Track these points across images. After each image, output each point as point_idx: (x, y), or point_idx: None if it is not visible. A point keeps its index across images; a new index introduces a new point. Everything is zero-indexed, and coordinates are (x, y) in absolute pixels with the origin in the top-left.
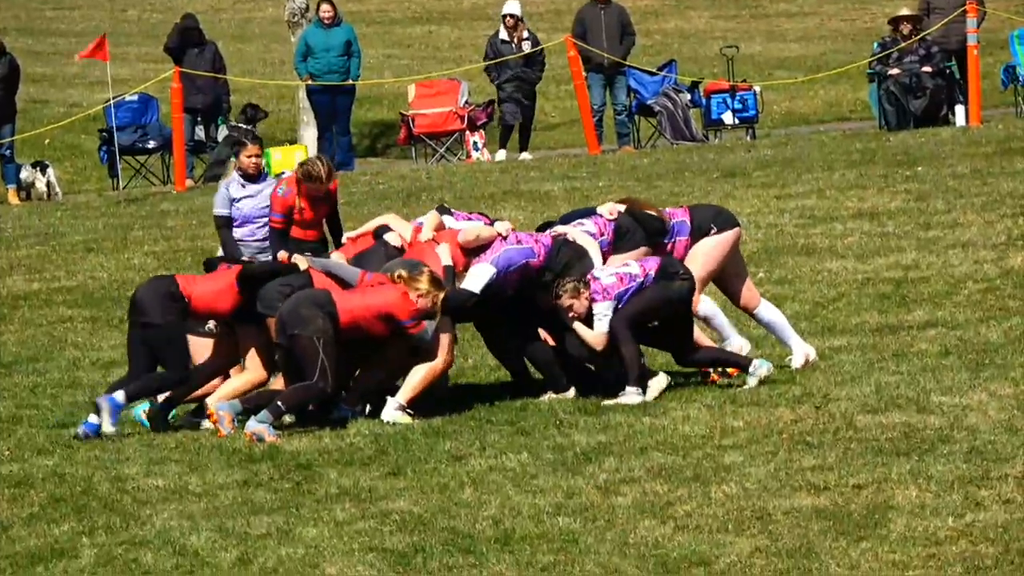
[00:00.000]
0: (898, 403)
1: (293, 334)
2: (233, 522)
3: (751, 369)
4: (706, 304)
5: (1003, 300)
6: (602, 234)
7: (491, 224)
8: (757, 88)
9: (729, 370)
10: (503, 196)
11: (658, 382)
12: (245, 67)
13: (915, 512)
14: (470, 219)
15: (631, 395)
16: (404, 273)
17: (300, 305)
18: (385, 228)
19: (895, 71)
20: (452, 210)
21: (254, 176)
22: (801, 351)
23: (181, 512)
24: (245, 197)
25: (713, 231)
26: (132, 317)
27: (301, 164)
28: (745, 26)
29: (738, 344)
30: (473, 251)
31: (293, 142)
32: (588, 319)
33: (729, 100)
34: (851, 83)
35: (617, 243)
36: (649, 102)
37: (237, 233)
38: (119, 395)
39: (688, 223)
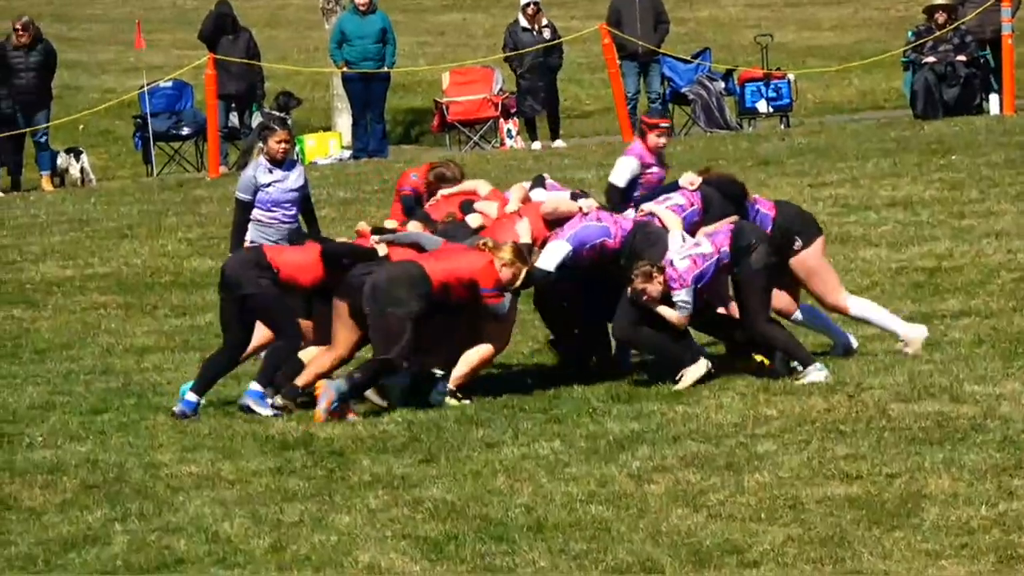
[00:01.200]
0: (931, 392)
1: (387, 311)
2: (266, 509)
3: (809, 368)
4: (857, 306)
5: None
6: (691, 205)
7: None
8: (791, 76)
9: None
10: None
11: (696, 369)
12: (279, 54)
13: (948, 501)
14: (576, 196)
15: (813, 373)
16: (489, 242)
17: (398, 284)
18: (470, 203)
19: (930, 59)
20: (547, 182)
21: (280, 161)
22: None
23: (214, 499)
24: (273, 182)
25: (798, 244)
26: (225, 292)
27: (434, 165)
28: (779, 14)
29: (914, 334)
30: (553, 225)
31: (327, 129)
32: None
33: (763, 88)
34: (885, 72)
35: (706, 214)
36: (683, 90)
37: (264, 216)
38: (254, 386)
39: (771, 218)
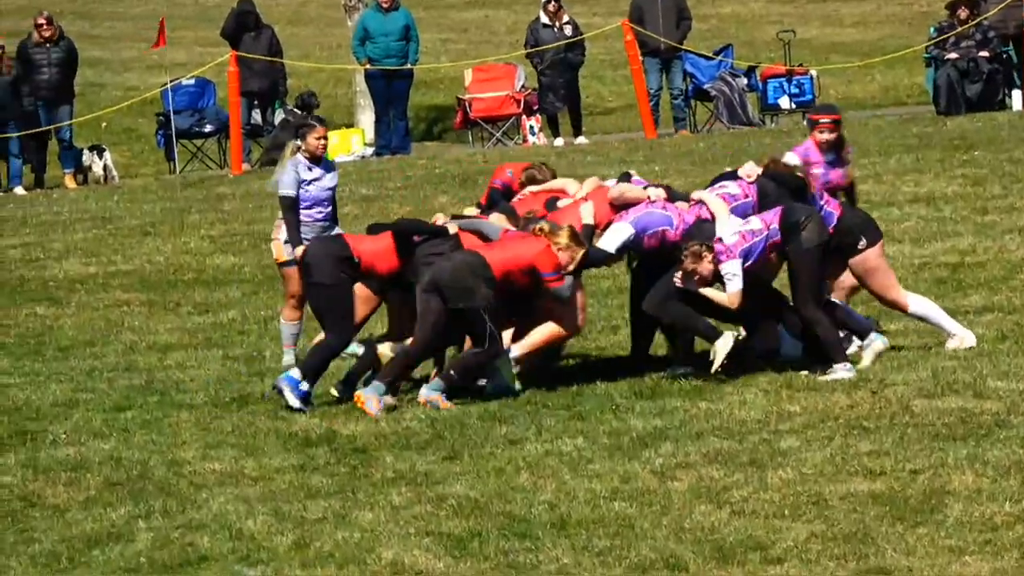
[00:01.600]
0: (955, 388)
1: (461, 307)
2: (289, 506)
3: (865, 342)
4: (917, 303)
5: None
6: (746, 196)
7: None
8: (814, 72)
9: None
10: None
11: (724, 343)
12: (301, 51)
13: (972, 497)
14: (647, 187)
15: (840, 371)
16: (545, 227)
17: (461, 276)
18: (555, 200)
19: (952, 55)
20: (633, 179)
21: (319, 159)
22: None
23: (237, 496)
24: (314, 180)
25: (862, 244)
26: (304, 279)
27: (528, 167)
28: (801, 10)
29: (962, 336)
30: (620, 209)
31: (350, 126)
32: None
33: (786, 85)
34: (908, 68)
35: (761, 205)
36: (706, 86)
37: (303, 215)
38: (294, 373)
39: (836, 216)
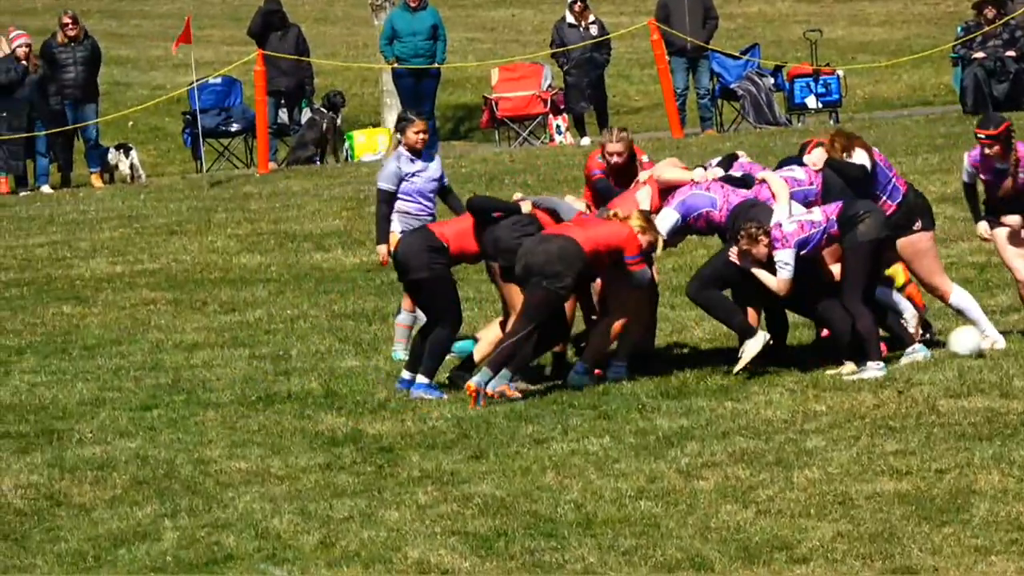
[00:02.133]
0: (981, 388)
1: (546, 286)
2: (315, 505)
3: (908, 350)
4: (959, 295)
5: None
6: (810, 183)
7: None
8: (840, 72)
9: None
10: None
11: (755, 343)
12: (328, 50)
13: (998, 497)
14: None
15: (872, 370)
16: (620, 212)
17: (553, 259)
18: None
19: (979, 55)
20: (740, 160)
21: (419, 152)
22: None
23: (263, 495)
24: (417, 172)
25: (917, 225)
26: (402, 277)
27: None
28: (828, 10)
29: (994, 338)
30: (667, 193)
31: (376, 125)
32: (770, 267)
33: (812, 84)
34: (934, 67)
35: (826, 196)
36: (732, 86)
37: (410, 208)
38: (421, 379)
39: (902, 193)
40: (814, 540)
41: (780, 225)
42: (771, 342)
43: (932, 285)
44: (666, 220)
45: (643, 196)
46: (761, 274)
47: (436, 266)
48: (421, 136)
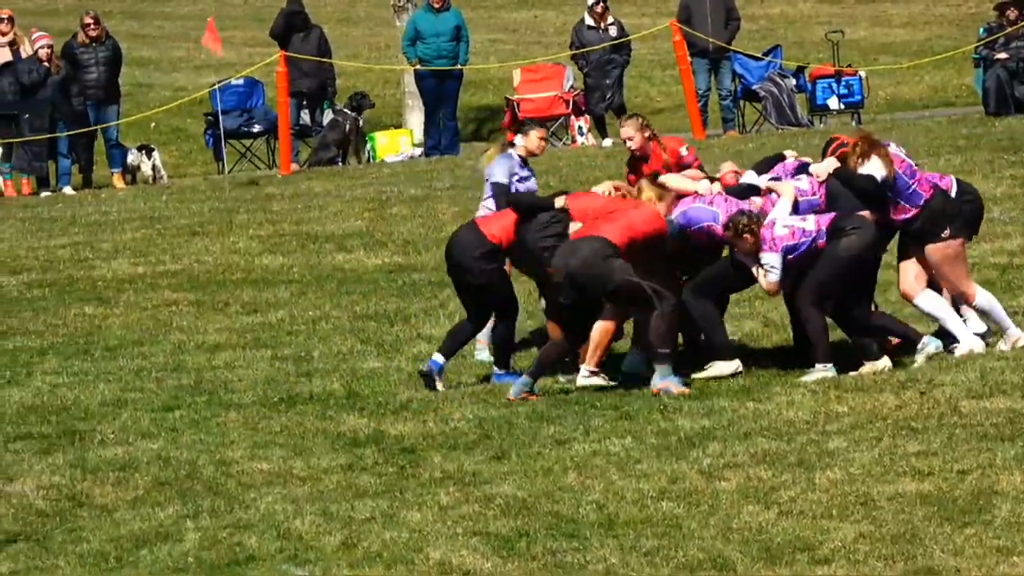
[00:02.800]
0: (1003, 388)
1: (613, 288)
2: (337, 506)
3: (920, 345)
4: (982, 296)
5: None
6: (814, 193)
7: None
8: (862, 73)
9: (893, 340)
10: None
11: (725, 367)
12: (350, 51)
13: (1020, 498)
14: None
15: (820, 371)
16: (632, 191)
17: (590, 265)
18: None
19: (1001, 56)
20: (787, 161)
21: (534, 156)
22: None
23: (285, 496)
24: (523, 178)
25: (945, 233)
26: (454, 275)
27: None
28: (850, 11)
29: (1016, 336)
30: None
31: (398, 127)
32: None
33: (835, 85)
34: (956, 68)
35: (831, 204)
36: (754, 87)
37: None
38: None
39: (924, 199)
40: (836, 541)
41: (772, 226)
42: (740, 372)
43: (958, 290)
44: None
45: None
46: (758, 274)
47: (489, 268)
48: (544, 143)
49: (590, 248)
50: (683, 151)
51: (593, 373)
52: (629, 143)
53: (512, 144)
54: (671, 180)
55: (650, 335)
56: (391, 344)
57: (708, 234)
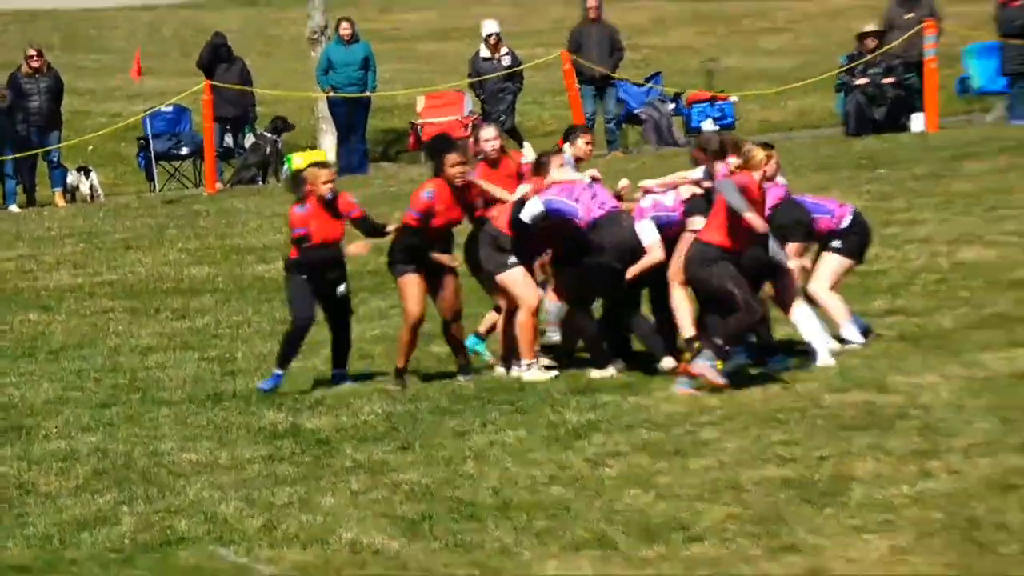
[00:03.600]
0: (859, 383)
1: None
2: (258, 492)
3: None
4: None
5: (955, 290)
6: (674, 210)
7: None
8: (735, 98)
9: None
10: None
11: (601, 372)
12: (270, 80)
13: (873, 482)
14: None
15: (596, 372)
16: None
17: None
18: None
19: (860, 82)
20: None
21: (582, 161)
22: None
23: (212, 483)
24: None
25: (837, 246)
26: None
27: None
28: (724, 42)
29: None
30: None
31: (313, 148)
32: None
33: (709, 109)
34: (820, 94)
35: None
36: (636, 111)
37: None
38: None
39: (834, 219)
40: (708, 521)
41: (649, 192)
42: (614, 376)
43: (779, 300)
44: (531, 207)
45: (520, 189)
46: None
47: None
48: (589, 147)
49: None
50: (523, 160)
51: (531, 365)
52: (492, 143)
53: (561, 151)
54: (556, 172)
55: (717, 327)
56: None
57: (564, 226)
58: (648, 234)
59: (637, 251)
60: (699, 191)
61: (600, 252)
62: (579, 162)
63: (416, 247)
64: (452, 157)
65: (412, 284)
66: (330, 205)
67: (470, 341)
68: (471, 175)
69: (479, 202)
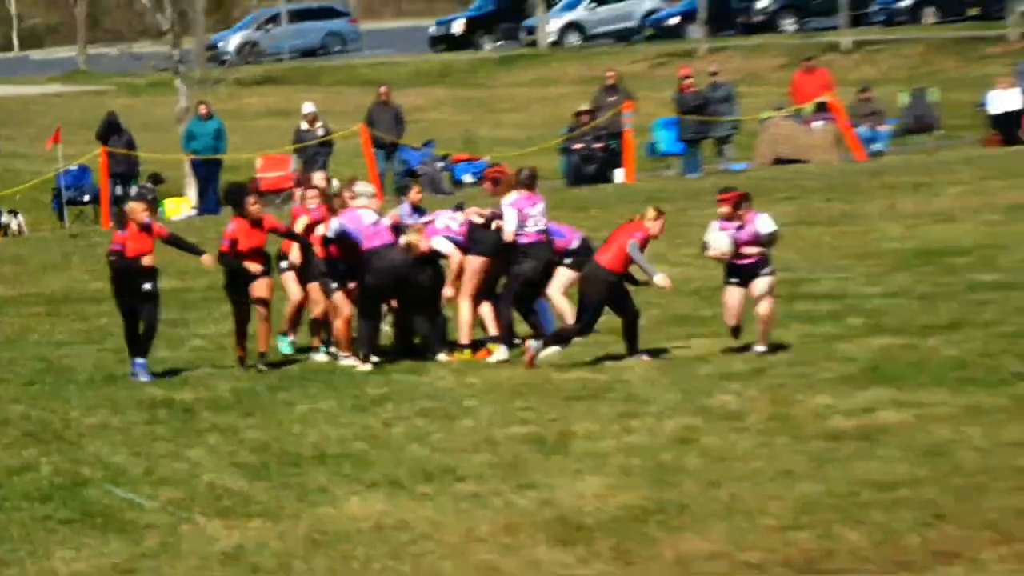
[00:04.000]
0: (579, 364)
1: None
2: (141, 447)
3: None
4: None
5: (648, 297)
6: (461, 233)
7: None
8: (487, 159)
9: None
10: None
11: (348, 360)
12: (149, 146)
13: (589, 437)
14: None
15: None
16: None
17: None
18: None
19: (578, 146)
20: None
21: (418, 207)
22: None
23: (107, 441)
24: (415, 221)
25: (568, 262)
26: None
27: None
28: (479, 118)
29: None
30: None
31: (180, 195)
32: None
33: (468, 167)
34: (548, 156)
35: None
36: (415, 168)
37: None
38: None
39: (566, 240)
40: (469, 466)
41: (434, 222)
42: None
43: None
44: (332, 225)
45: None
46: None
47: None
48: (419, 196)
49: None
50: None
51: (347, 357)
52: (324, 182)
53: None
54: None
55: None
56: (177, 340)
57: (353, 247)
58: (444, 245)
59: (400, 278)
60: (479, 220)
61: (371, 274)
62: (414, 205)
63: (233, 265)
64: (251, 199)
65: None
66: (146, 228)
67: (279, 340)
68: (266, 211)
69: (281, 229)
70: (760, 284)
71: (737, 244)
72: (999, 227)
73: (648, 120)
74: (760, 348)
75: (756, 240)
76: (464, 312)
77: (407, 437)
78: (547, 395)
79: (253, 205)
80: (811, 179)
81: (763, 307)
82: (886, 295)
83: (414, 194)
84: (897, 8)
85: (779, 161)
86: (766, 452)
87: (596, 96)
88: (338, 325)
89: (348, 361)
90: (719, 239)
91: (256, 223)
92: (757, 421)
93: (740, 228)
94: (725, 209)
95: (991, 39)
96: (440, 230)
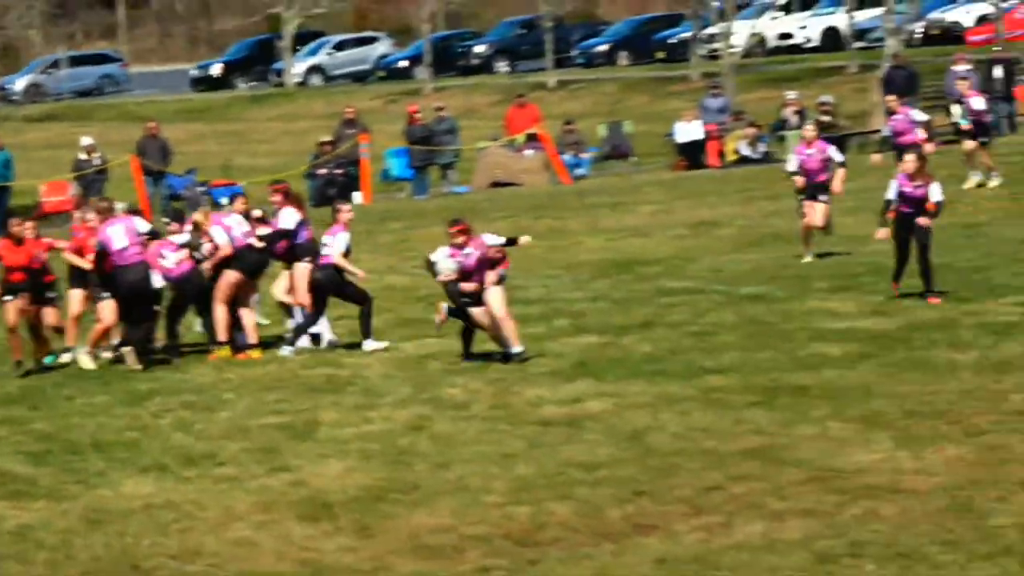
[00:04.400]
0: (323, 362)
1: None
2: None
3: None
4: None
5: (383, 303)
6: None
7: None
8: (243, 183)
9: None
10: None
11: (71, 354)
12: None
13: (334, 425)
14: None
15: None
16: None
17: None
18: None
19: (321, 172)
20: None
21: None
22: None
23: None
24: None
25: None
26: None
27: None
28: (236, 148)
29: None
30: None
31: None
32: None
33: (226, 191)
34: (296, 180)
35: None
36: (180, 192)
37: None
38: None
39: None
40: (228, 452)
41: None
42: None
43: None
44: (218, 234)
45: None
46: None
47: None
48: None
49: None
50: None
51: (89, 353)
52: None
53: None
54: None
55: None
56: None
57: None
58: (220, 236)
59: (139, 292)
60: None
61: (116, 285)
62: (247, 214)
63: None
64: (14, 221)
65: (7, 307)
66: None
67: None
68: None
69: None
70: (494, 296)
71: (464, 269)
72: (686, 240)
73: (382, 149)
74: (517, 348)
75: (488, 264)
76: (219, 312)
77: (173, 427)
78: (296, 388)
79: (16, 227)
80: (523, 200)
81: (499, 313)
82: (588, 299)
83: (239, 204)
84: (595, 52)
85: (495, 184)
86: (488, 437)
87: (337, 129)
88: (97, 328)
89: (83, 357)
90: (447, 264)
91: (18, 242)
92: (481, 410)
93: (467, 256)
94: (460, 240)
95: (676, 79)
96: (226, 226)
